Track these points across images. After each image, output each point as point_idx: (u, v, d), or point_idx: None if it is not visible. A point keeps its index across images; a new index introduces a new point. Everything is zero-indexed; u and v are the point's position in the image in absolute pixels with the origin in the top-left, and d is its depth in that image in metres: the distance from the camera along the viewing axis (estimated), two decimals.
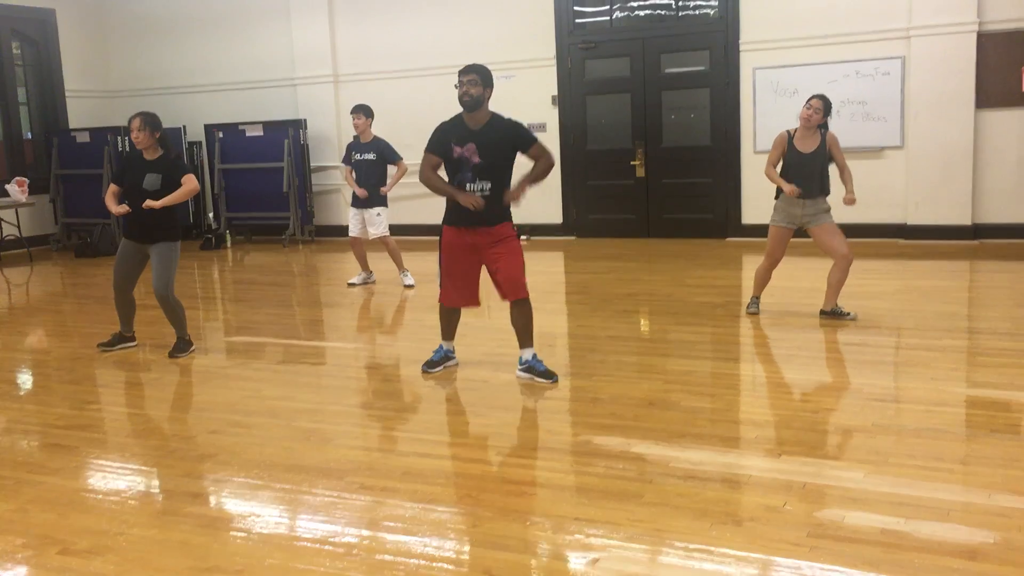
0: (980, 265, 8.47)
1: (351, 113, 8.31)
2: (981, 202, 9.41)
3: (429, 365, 5.43)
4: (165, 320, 6.24)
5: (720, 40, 10.20)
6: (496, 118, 5.08)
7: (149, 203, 5.78)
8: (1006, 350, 5.44)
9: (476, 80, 4.96)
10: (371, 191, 8.32)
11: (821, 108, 6.08)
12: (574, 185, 10.94)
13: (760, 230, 10.11)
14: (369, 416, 4.87)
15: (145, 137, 5.86)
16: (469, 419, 4.64)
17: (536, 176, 5.08)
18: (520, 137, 5.06)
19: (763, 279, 6.59)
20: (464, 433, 4.44)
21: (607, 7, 10.69)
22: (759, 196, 10.26)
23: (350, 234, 8.56)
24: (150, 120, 5.90)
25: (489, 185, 4.97)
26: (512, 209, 5.11)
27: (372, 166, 8.32)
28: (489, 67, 5.09)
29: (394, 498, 3.60)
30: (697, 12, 10.37)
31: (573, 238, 10.98)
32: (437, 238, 5.24)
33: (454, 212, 5.06)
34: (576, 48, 10.79)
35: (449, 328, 5.46)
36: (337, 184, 12.18)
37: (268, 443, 4.33)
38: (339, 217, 12.27)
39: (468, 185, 4.99)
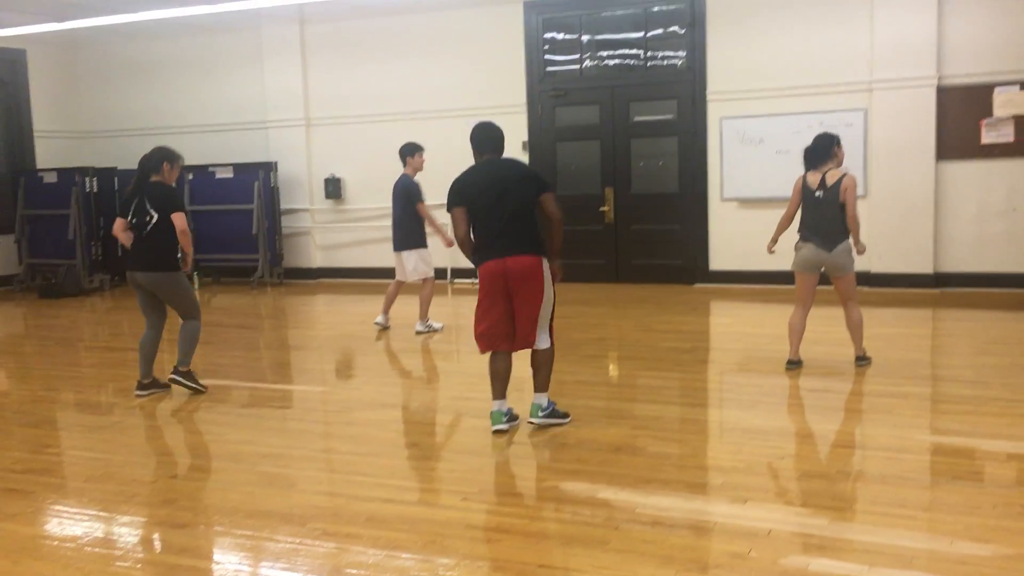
0: (942, 313, 8.59)
1: (420, 152, 7.94)
2: (943, 251, 9.57)
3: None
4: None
5: (688, 90, 10.37)
6: None
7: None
8: (969, 397, 5.50)
9: None
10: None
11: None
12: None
13: (727, 276, 10.32)
14: (333, 461, 4.81)
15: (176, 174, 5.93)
16: (434, 464, 4.60)
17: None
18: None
19: (794, 330, 6.20)
20: (429, 478, 4.40)
21: (577, 55, 10.85)
22: (727, 243, 10.41)
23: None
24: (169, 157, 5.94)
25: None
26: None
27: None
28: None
29: (357, 544, 3.56)
30: (665, 62, 10.55)
31: None
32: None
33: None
34: (547, 96, 10.92)
35: (496, 382, 4.97)
36: (307, 227, 12.16)
37: (230, 488, 4.26)
38: (308, 259, 12.24)
39: None
